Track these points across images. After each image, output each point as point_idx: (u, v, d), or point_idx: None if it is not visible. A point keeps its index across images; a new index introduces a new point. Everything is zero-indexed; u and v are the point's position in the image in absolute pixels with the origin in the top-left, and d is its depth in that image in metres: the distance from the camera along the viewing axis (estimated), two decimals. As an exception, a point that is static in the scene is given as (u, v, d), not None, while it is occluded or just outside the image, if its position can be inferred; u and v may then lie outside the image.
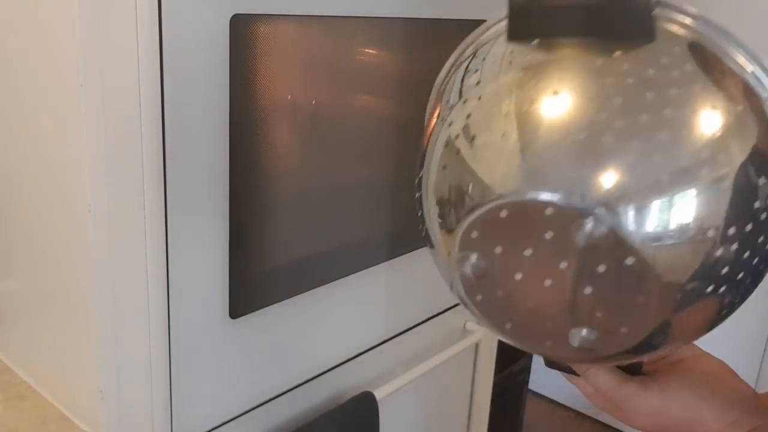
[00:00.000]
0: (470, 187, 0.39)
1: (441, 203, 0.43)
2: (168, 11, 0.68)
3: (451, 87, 0.46)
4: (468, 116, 0.41)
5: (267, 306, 0.90)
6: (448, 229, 0.41)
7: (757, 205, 0.35)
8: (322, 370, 1.03)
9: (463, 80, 0.44)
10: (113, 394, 0.77)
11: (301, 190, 0.94)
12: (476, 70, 0.43)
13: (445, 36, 1.08)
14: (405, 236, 1.12)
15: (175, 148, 0.73)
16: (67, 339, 0.81)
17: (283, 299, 0.92)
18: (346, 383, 1.07)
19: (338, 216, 1.00)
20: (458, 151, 0.41)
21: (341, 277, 1.00)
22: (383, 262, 1.07)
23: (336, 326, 1.03)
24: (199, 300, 0.81)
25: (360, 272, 1.03)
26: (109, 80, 0.68)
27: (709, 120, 0.34)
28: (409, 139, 1.07)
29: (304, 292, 0.94)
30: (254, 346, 0.90)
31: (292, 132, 0.91)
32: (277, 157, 0.89)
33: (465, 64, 0.45)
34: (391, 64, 1.01)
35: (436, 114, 0.46)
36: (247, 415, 0.92)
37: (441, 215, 0.44)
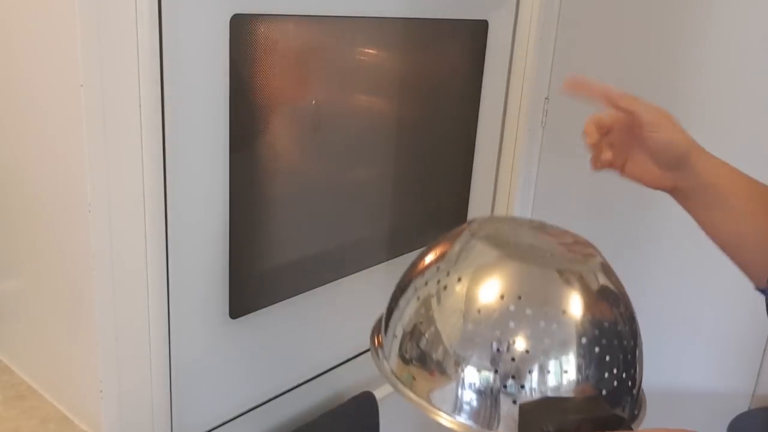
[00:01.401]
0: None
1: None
2: (168, 11, 0.68)
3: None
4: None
5: (267, 306, 0.90)
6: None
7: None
8: (322, 370, 1.03)
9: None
10: (113, 394, 0.77)
11: (301, 190, 0.94)
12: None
13: (445, 36, 1.08)
14: (405, 236, 1.12)
15: (175, 148, 0.73)
16: (68, 339, 0.81)
17: (283, 299, 0.92)
18: (346, 383, 1.07)
19: (338, 216, 1.00)
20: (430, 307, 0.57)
21: (341, 278, 1.00)
22: (383, 262, 1.07)
23: (336, 326, 1.03)
24: (199, 300, 0.81)
25: (360, 272, 1.03)
26: (109, 80, 0.68)
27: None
28: (408, 139, 1.07)
29: (304, 292, 0.94)
30: (254, 346, 0.90)
31: (291, 132, 0.91)
32: (277, 157, 0.89)
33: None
34: (391, 64, 1.01)
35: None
36: (247, 415, 0.92)
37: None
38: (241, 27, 0.76)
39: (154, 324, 0.76)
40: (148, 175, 0.71)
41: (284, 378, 0.97)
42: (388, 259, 1.08)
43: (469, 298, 0.55)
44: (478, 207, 1.25)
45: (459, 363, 0.53)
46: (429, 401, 0.55)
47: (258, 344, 0.91)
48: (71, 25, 0.65)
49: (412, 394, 0.56)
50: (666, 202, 1.25)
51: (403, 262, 1.11)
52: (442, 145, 1.16)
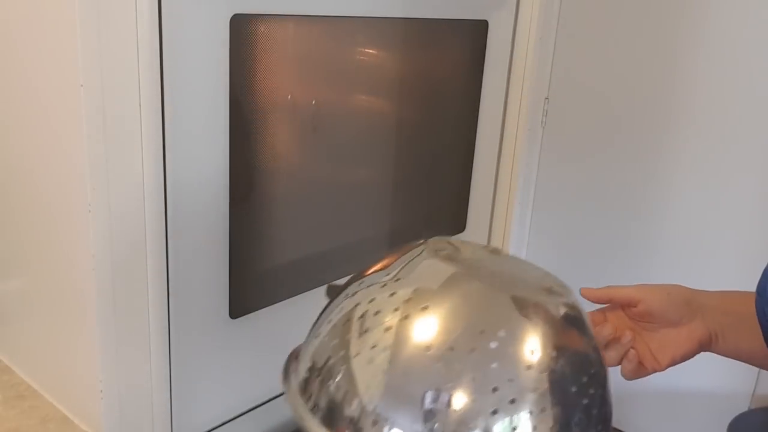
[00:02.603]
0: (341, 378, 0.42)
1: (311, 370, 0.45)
2: (168, 11, 0.68)
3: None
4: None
5: (267, 306, 0.90)
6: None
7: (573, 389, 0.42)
8: (322, 370, 1.02)
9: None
10: (113, 394, 0.77)
11: (301, 190, 0.94)
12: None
13: (445, 36, 1.08)
14: (405, 236, 1.12)
15: (174, 148, 0.73)
16: (67, 339, 0.81)
17: (283, 299, 0.92)
18: (346, 383, 1.07)
19: (338, 216, 1.00)
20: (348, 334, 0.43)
21: (342, 277, 1.00)
22: (383, 262, 1.07)
23: (336, 326, 1.03)
24: (199, 300, 0.81)
25: (360, 272, 1.03)
26: (109, 80, 0.68)
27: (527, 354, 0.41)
28: (408, 139, 1.07)
29: (304, 292, 0.94)
30: (254, 346, 0.90)
31: (291, 132, 0.91)
32: (277, 157, 0.89)
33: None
34: (391, 64, 1.01)
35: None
36: (247, 415, 0.92)
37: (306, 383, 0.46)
38: (241, 27, 0.76)
39: (154, 324, 0.76)
40: (148, 175, 0.71)
41: (284, 378, 0.97)
42: (388, 259, 1.08)
43: (402, 331, 0.41)
44: (478, 207, 1.25)
45: (379, 423, 0.40)
46: None
47: (258, 344, 0.91)
48: (71, 25, 0.65)
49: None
50: (666, 202, 1.25)
51: (403, 262, 1.11)
52: (442, 146, 1.16)
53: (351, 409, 0.41)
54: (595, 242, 1.32)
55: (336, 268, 0.99)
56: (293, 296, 0.93)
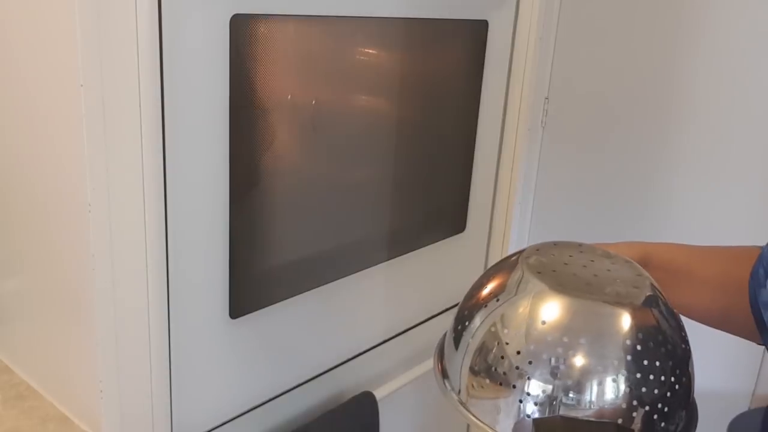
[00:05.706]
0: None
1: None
2: (168, 11, 0.68)
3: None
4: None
5: (267, 306, 0.90)
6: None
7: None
8: (322, 370, 1.03)
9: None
10: (113, 394, 0.77)
11: (301, 190, 0.94)
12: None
13: (445, 36, 1.08)
14: (405, 236, 1.12)
15: (174, 148, 0.73)
16: (67, 339, 0.81)
17: (283, 299, 0.92)
18: (346, 383, 1.07)
19: (338, 216, 1.00)
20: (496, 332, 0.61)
21: (341, 277, 1.00)
22: (383, 262, 1.07)
23: (336, 326, 1.03)
24: (199, 300, 0.81)
25: (360, 272, 1.03)
26: (109, 80, 0.68)
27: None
28: (408, 139, 1.07)
29: (304, 292, 0.94)
30: (254, 346, 0.90)
31: (291, 132, 0.91)
32: (277, 157, 0.89)
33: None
34: (391, 64, 1.01)
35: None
36: (247, 415, 0.92)
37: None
38: (241, 27, 0.76)
39: (154, 324, 0.76)
40: (148, 175, 0.71)
41: (284, 378, 0.97)
42: (388, 259, 1.08)
43: (530, 324, 0.60)
44: (478, 207, 1.25)
45: (522, 376, 0.57)
46: (494, 416, 0.60)
47: (258, 344, 0.91)
48: (71, 25, 0.65)
49: (472, 417, 0.61)
50: (666, 201, 1.25)
51: (403, 262, 1.11)
52: (442, 145, 1.16)
53: (503, 367, 0.58)
54: (595, 241, 1.32)
55: (336, 268, 1.00)
56: (293, 296, 0.93)
